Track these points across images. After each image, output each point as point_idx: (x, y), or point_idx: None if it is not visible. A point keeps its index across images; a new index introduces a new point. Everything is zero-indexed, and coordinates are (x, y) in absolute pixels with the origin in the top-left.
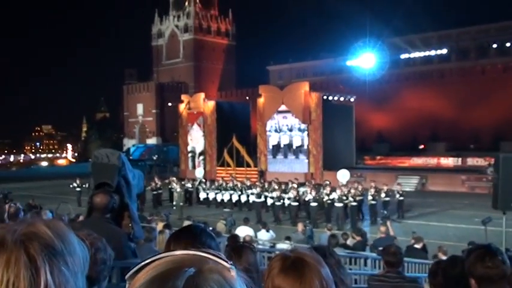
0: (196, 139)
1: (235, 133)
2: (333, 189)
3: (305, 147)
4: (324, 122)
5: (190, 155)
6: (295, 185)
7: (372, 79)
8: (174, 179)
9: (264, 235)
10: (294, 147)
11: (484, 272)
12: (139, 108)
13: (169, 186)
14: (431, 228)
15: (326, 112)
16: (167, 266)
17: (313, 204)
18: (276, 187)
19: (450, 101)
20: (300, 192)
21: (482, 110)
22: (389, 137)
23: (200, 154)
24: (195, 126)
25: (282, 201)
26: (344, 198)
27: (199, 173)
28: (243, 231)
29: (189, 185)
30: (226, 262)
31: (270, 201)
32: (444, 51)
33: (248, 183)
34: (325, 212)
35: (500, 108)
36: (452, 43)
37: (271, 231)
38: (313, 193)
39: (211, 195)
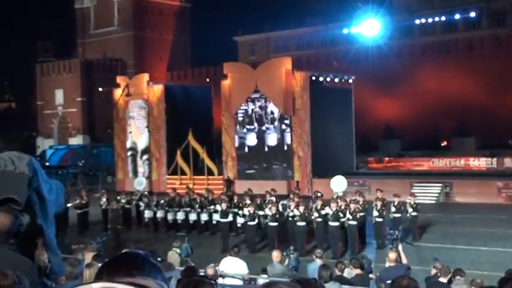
0: (137, 131)
1: (192, 128)
2: (326, 204)
3: (288, 146)
4: (312, 112)
5: (129, 153)
6: (274, 199)
7: (377, 53)
8: (104, 192)
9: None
10: (272, 146)
11: None
12: (59, 96)
13: (101, 203)
14: (458, 254)
15: (315, 98)
16: None
17: (300, 223)
18: (249, 202)
19: (481, 82)
20: (282, 208)
21: None
22: (401, 131)
23: (143, 152)
24: (136, 111)
25: (257, 220)
26: (341, 215)
27: (139, 184)
28: (232, 265)
29: (123, 200)
30: None
31: (240, 221)
32: (472, 14)
33: (210, 197)
34: (316, 234)
35: None
36: (483, 4)
37: (243, 261)
38: (300, 209)
39: (160, 214)
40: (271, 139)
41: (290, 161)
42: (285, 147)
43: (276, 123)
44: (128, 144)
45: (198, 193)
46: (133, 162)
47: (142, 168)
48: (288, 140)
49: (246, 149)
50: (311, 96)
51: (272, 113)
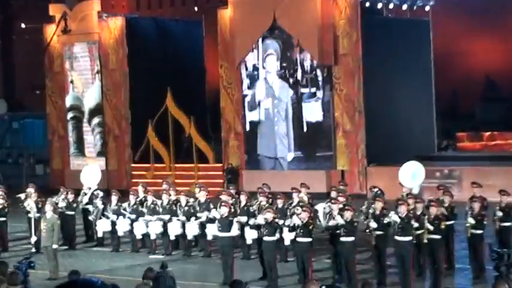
0: (83, 80)
1: (172, 88)
2: (390, 207)
3: (326, 116)
4: (366, 60)
5: (70, 115)
6: (306, 198)
7: None
8: (32, 190)
9: None
10: (301, 116)
11: None
12: None
13: (27, 209)
14: None
15: (371, 38)
16: None
17: (347, 239)
18: (265, 203)
19: None
20: (318, 215)
21: None
22: (510, 88)
23: (93, 114)
24: (80, 59)
25: (278, 235)
26: (414, 224)
27: (89, 176)
28: None
29: (63, 203)
30: None
31: (251, 235)
32: None
33: (203, 197)
34: (374, 256)
35: None
36: None
37: None
38: (346, 215)
39: (123, 226)
40: (308, 103)
41: (330, 140)
42: (322, 118)
43: (308, 78)
44: (69, 102)
45: (183, 191)
46: (76, 130)
47: (91, 137)
48: (326, 105)
49: (260, 121)
50: (364, 34)
51: (300, 62)
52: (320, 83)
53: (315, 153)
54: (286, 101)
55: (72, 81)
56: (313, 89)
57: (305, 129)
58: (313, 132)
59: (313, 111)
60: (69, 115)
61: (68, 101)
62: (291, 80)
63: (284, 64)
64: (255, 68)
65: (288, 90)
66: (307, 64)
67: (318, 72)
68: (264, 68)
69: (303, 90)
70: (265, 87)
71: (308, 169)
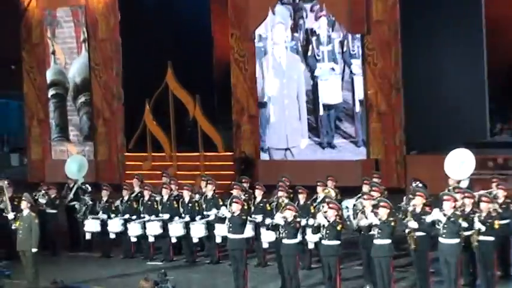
0: (66, 51)
1: (173, 61)
2: (433, 203)
3: (356, 97)
4: (405, 29)
5: (52, 93)
6: (332, 192)
7: None
8: (6, 184)
9: None
10: (327, 96)
11: None
12: None
13: (0, 206)
14: None
15: (411, 0)
16: None
17: (382, 241)
18: (285, 199)
19: None
20: (347, 213)
21: None
22: None
23: (79, 90)
24: (64, 27)
25: (300, 236)
26: (463, 224)
27: (73, 169)
28: None
29: (43, 200)
30: None
31: (268, 238)
32: None
33: (210, 191)
34: (415, 261)
35: None
36: None
37: None
38: (381, 213)
39: (114, 226)
40: (325, 82)
41: (361, 123)
42: (352, 97)
43: (333, 49)
44: (49, 76)
45: (186, 185)
46: (58, 110)
47: (76, 118)
48: (357, 82)
49: (278, 101)
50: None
51: (321, 33)
52: (339, 57)
53: (334, 140)
54: (298, 78)
55: (53, 52)
56: (331, 64)
57: (321, 112)
58: (331, 115)
59: (331, 91)
60: (51, 92)
61: (49, 76)
62: (304, 54)
63: (296, 35)
64: (262, 39)
65: (300, 65)
66: (323, 34)
67: (336, 43)
68: (271, 39)
69: (319, 65)
70: (272, 62)
71: (332, 158)
